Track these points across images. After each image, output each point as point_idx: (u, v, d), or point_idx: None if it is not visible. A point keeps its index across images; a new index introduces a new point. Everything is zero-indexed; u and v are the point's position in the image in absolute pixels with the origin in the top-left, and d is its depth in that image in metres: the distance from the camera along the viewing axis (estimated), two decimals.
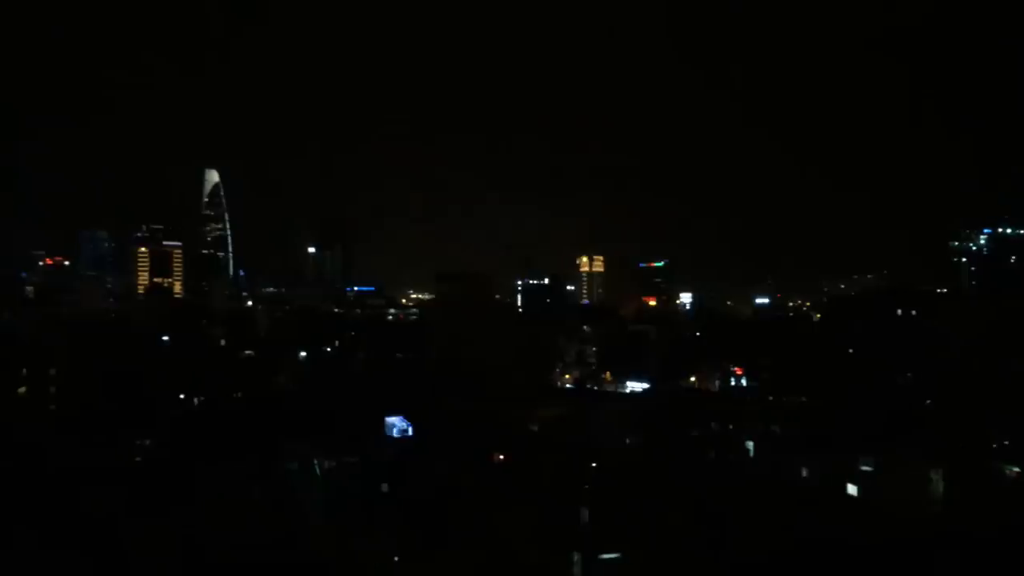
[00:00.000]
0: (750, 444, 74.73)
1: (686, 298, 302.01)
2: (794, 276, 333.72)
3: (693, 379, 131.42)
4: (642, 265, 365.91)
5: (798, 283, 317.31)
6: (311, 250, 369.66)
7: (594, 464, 68.58)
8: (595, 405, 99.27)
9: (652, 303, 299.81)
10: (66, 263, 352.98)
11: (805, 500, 58.41)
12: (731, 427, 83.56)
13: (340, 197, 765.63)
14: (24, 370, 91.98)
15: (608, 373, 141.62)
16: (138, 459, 69.61)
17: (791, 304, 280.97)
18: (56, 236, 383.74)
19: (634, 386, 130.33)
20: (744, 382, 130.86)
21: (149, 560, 44.06)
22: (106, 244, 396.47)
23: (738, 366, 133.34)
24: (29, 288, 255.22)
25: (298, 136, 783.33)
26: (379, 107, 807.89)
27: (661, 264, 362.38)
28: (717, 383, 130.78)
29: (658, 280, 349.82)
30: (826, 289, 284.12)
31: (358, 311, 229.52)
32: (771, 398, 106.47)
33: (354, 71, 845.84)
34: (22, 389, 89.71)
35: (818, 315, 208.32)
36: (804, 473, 64.91)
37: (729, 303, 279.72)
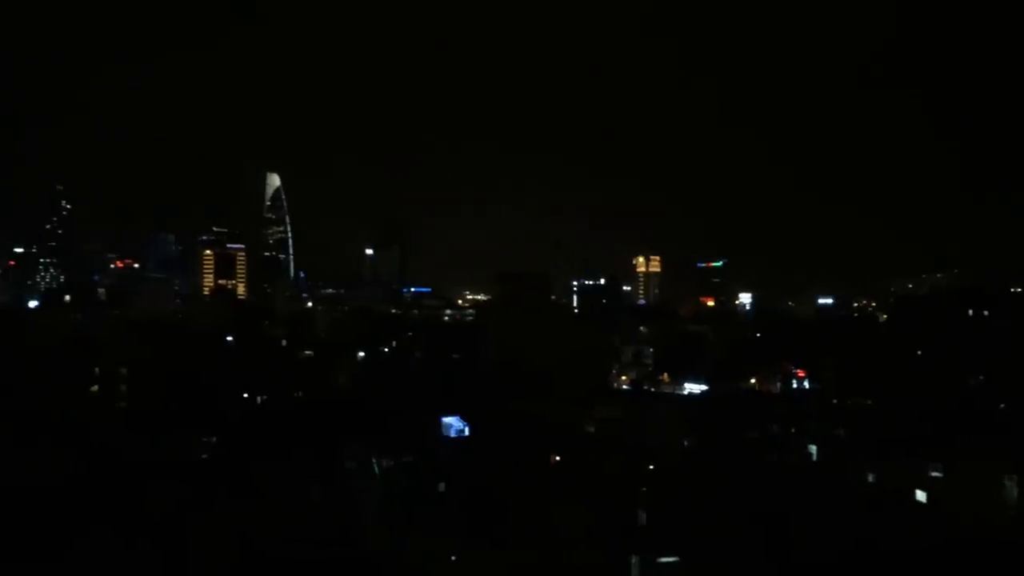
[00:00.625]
0: (813, 448, 72.88)
1: (745, 298, 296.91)
2: (859, 276, 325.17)
3: (753, 381, 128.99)
4: (700, 265, 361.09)
5: (863, 283, 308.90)
6: (368, 252, 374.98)
7: (651, 466, 67.82)
8: (652, 406, 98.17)
9: (710, 303, 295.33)
10: (135, 266, 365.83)
11: (871, 506, 56.66)
12: (792, 430, 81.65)
13: (397, 199, 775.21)
14: (96, 369, 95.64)
15: (665, 374, 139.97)
16: (204, 456, 71.62)
17: (856, 304, 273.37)
18: (127, 239, 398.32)
19: (692, 388, 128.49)
20: (806, 384, 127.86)
21: (212, 555, 45.22)
22: (173, 247, 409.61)
23: (800, 368, 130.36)
24: (101, 290, 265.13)
25: (356, 139, 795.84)
26: (436, 109, 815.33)
27: (719, 264, 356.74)
28: (778, 385, 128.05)
29: (716, 280, 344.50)
30: (893, 289, 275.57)
31: (415, 312, 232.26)
32: (835, 401, 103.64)
33: (409, 75, 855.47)
34: (95, 388, 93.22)
35: (884, 316, 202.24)
36: (870, 478, 63.02)
37: (791, 303, 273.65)
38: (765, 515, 53.88)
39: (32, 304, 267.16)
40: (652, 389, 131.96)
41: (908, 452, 64.36)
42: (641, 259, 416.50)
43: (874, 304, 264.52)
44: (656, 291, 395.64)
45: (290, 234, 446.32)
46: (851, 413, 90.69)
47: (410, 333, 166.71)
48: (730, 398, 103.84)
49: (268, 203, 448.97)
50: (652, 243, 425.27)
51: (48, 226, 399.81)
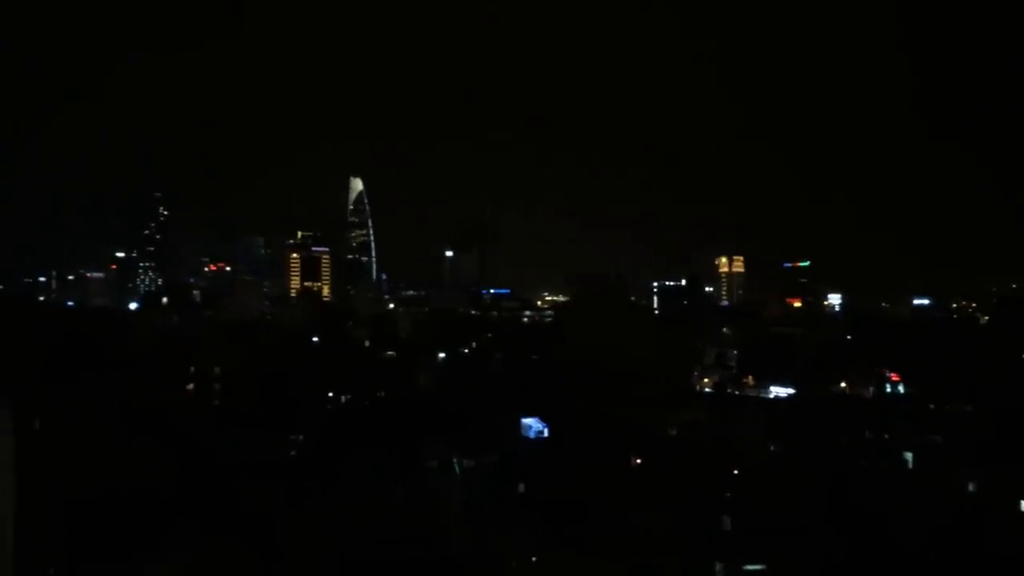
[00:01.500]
0: (908, 455, 69.61)
1: (834, 299, 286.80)
2: (958, 276, 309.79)
3: (843, 385, 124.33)
4: (786, 265, 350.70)
5: (962, 283, 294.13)
6: (448, 254, 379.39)
7: (736, 471, 66.16)
8: (736, 410, 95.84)
9: (797, 304, 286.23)
10: (227, 268, 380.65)
11: (971, 516, 53.73)
12: (886, 436, 78.23)
13: (477, 201, 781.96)
14: (192, 369, 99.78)
15: (750, 377, 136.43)
16: (292, 453, 73.75)
17: (954, 305, 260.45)
18: (219, 243, 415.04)
19: (778, 391, 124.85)
20: (901, 388, 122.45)
21: (300, 552, 46.45)
22: (262, 250, 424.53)
23: (894, 371, 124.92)
24: (196, 292, 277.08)
25: (436, 143, 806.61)
26: (514, 111, 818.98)
27: (806, 264, 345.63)
28: (870, 389, 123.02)
29: (803, 280, 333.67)
30: (995, 289, 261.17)
31: (494, 313, 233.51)
32: (932, 406, 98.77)
33: (485, 78, 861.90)
34: (190, 386, 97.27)
35: (986, 317, 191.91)
36: (971, 487, 59.77)
37: (884, 304, 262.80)
38: (856, 524, 51.83)
39: (132, 306, 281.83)
40: (736, 392, 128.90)
41: (1012, 460, 60.82)
42: (724, 259, 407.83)
43: (975, 305, 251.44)
44: (739, 292, 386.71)
45: (372, 237, 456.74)
46: (950, 419, 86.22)
47: (490, 334, 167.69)
48: (819, 402, 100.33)
49: (351, 207, 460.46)
50: (735, 243, 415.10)
51: (147, 232, 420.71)
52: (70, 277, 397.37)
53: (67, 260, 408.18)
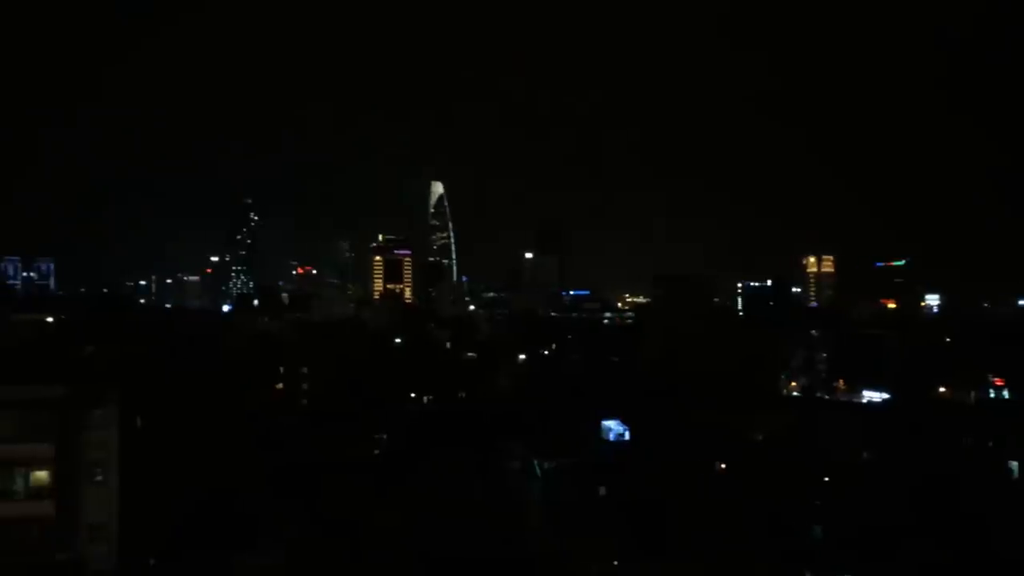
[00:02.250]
0: (1014, 464, 65.71)
1: (932, 300, 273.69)
2: None
3: (942, 389, 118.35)
4: (879, 264, 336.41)
5: None
6: (528, 255, 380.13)
7: (826, 478, 63.88)
8: (826, 415, 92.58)
9: (891, 305, 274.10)
10: (313, 272, 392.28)
11: None
12: (990, 444, 74.04)
13: (557, 202, 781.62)
14: (281, 368, 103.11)
15: (841, 381, 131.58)
16: (376, 452, 75.22)
17: None
18: (307, 247, 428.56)
19: (871, 395, 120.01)
20: (1006, 394, 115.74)
21: (384, 547, 47.26)
22: (347, 254, 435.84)
23: (997, 375, 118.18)
24: (284, 295, 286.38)
25: (515, 145, 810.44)
26: (592, 114, 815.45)
27: (902, 263, 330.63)
28: (972, 394, 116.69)
29: (898, 280, 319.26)
30: None
31: (574, 315, 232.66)
32: None
33: (568, 79, 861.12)
34: (280, 385, 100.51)
35: None
36: None
37: (986, 305, 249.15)
38: (956, 536, 49.26)
39: (226, 308, 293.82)
40: (826, 396, 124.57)
41: None
42: (812, 259, 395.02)
43: None
44: (829, 292, 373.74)
45: (453, 239, 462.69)
46: None
47: (569, 336, 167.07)
48: (916, 407, 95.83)
49: (432, 210, 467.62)
50: (824, 242, 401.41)
51: (239, 236, 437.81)
52: (168, 280, 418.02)
53: (166, 264, 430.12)
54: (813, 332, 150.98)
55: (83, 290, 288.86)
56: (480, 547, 47.97)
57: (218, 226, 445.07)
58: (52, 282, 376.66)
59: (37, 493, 38.14)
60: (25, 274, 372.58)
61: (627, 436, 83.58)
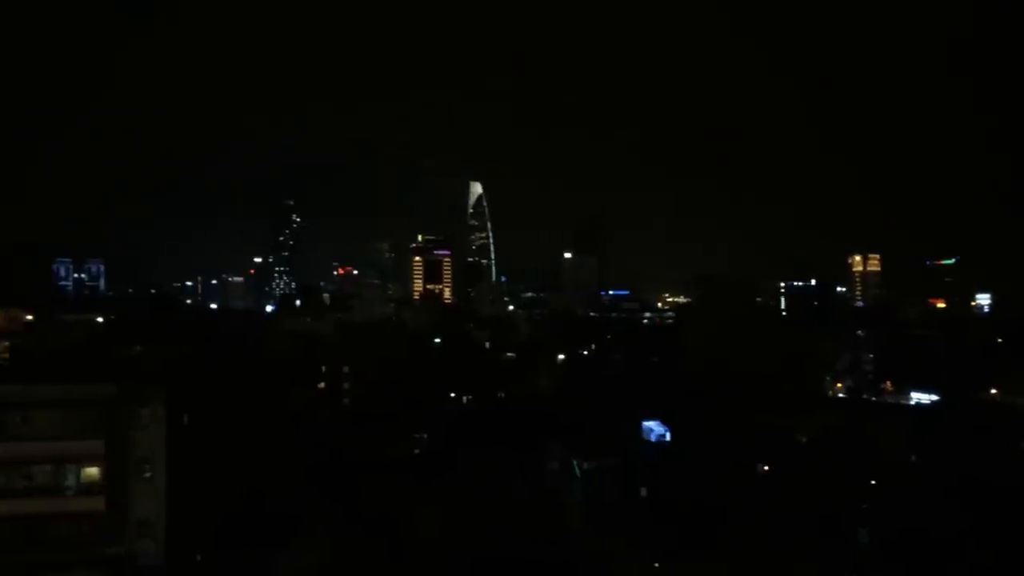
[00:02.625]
0: None
1: (983, 299, 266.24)
2: None
3: (994, 391, 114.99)
4: (928, 263, 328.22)
5: None
6: (567, 255, 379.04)
7: (873, 481, 62.55)
8: (872, 416, 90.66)
9: (940, 305, 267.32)
10: (354, 272, 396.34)
11: None
12: None
13: (596, 201, 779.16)
14: (323, 368, 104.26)
15: (888, 382, 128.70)
16: (416, 452, 75.66)
17: None
18: (347, 248, 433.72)
19: (920, 397, 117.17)
20: None
21: (425, 546, 47.48)
22: (387, 254, 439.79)
23: None
24: (325, 295, 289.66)
25: (553, 144, 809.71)
26: (637, 111, 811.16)
27: (951, 261, 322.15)
28: None
29: (948, 279, 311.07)
30: None
31: (613, 315, 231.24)
32: None
33: (606, 76, 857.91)
34: (321, 384, 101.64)
35: None
36: None
37: None
38: (1007, 542, 47.83)
39: (269, 308, 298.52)
40: (873, 398, 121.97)
41: None
42: (858, 258, 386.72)
43: None
44: (876, 292, 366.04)
45: (492, 239, 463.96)
46: None
47: (609, 336, 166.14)
48: (966, 409, 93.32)
49: (471, 210, 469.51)
50: (870, 241, 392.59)
51: (281, 238, 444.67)
52: (213, 281, 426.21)
53: (212, 266, 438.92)
54: (859, 332, 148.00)
55: (131, 291, 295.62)
56: (520, 547, 47.93)
57: (261, 228, 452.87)
58: (102, 283, 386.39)
59: (88, 489, 39.10)
60: (76, 275, 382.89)
61: (668, 437, 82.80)
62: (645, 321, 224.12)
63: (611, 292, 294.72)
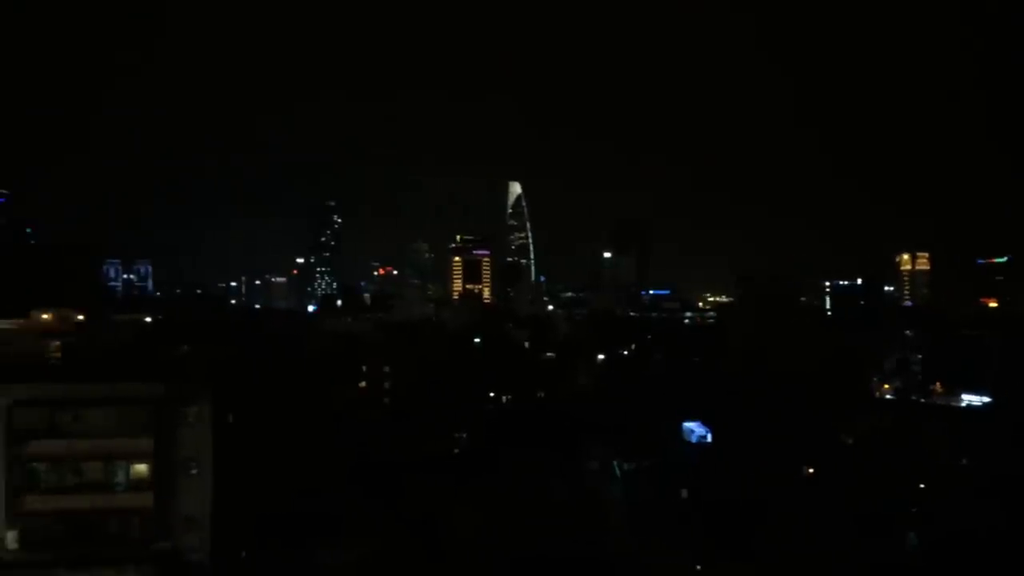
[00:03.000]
0: None
1: None
2: None
3: None
4: (979, 262, 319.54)
5: None
6: (607, 254, 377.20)
7: (922, 484, 61.14)
8: (921, 418, 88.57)
9: (992, 305, 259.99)
10: (394, 272, 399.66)
11: None
12: None
13: (635, 200, 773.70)
14: (364, 367, 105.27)
15: (938, 384, 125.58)
16: (456, 451, 75.99)
17: None
18: (387, 249, 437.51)
19: (970, 399, 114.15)
20: None
21: (466, 544, 47.64)
22: (426, 255, 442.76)
23: None
24: (366, 295, 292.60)
25: (595, 144, 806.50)
26: (676, 106, 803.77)
27: (1003, 260, 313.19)
28: None
29: (999, 278, 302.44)
30: None
31: (653, 314, 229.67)
32: None
33: (645, 74, 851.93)
34: (362, 384, 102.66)
35: None
36: None
37: None
38: None
39: (311, 308, 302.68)
40: (921, 399, 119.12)
41: None
42: (906, 256, 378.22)
43: None
44: (925, 291, 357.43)
45: (531, 239, 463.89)
46: None
47: (649, 336, 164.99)
48: (1019, 412, 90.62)
49: (510, 210, 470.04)
50: (919, 239, 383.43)
51: (323, 239, 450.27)
52: (257, 282, 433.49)
53: (255, 266, 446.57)
54: (907, 332, 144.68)
55: (178, 291, 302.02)
56: (560, 547, 47.83)
57: (303, 228, 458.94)
58: (150, 283, 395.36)
59: (137, 485, 39.98)
60: (125, 276, 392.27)
61: (709, 438, 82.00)
62: (686, 321, 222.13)
63: (651, 292, 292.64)
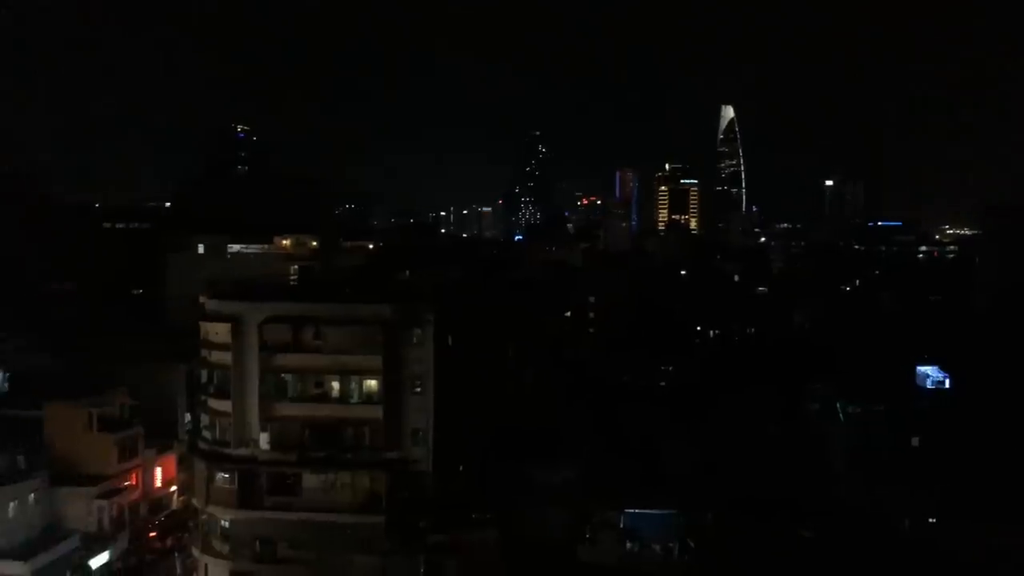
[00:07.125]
0: None
1: None
2: None
3: None
4: None
5: None
6: (829, 183, 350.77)
7: None
8: None
9: None
10: (598, 202, 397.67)
11: None
12: None
13: (862, 122, 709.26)
14: (569, 296, 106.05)
15: None
16: (662, 384, 75.08)
17: None
18: (593, 178, 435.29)
19: None
20: None
21: (681, 478, 47.07)
22: (632, 184, 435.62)
23: None
24: (570, 225, 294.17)
25: (814, 66, 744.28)
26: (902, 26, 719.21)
27: None
28: None
29: None
30: None
31: (882, 248, 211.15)
32: None
33: None
34: (568, 313, 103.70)
35: None
36: None
37: None
38: None
39: (517, 238, 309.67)
40: None
41: None
42: None
43: None
44: None
45: (743, 167, 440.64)
46: None
47: (876, 271, 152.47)
48: None
49: (721, 136, 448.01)
50: None
51: (528, 168, 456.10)
52: (464, 212, 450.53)
53: (464, 196, 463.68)
54: None
55: (393, 220, 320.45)
56: (778, 489, 45.94)
57: (509, 159, 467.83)
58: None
59: (368, 399, 43.17)
60: (346, 206, 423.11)
61: (947, 384, 74.42)
62: (920, 256, 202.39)
63: (880, 223, 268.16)
